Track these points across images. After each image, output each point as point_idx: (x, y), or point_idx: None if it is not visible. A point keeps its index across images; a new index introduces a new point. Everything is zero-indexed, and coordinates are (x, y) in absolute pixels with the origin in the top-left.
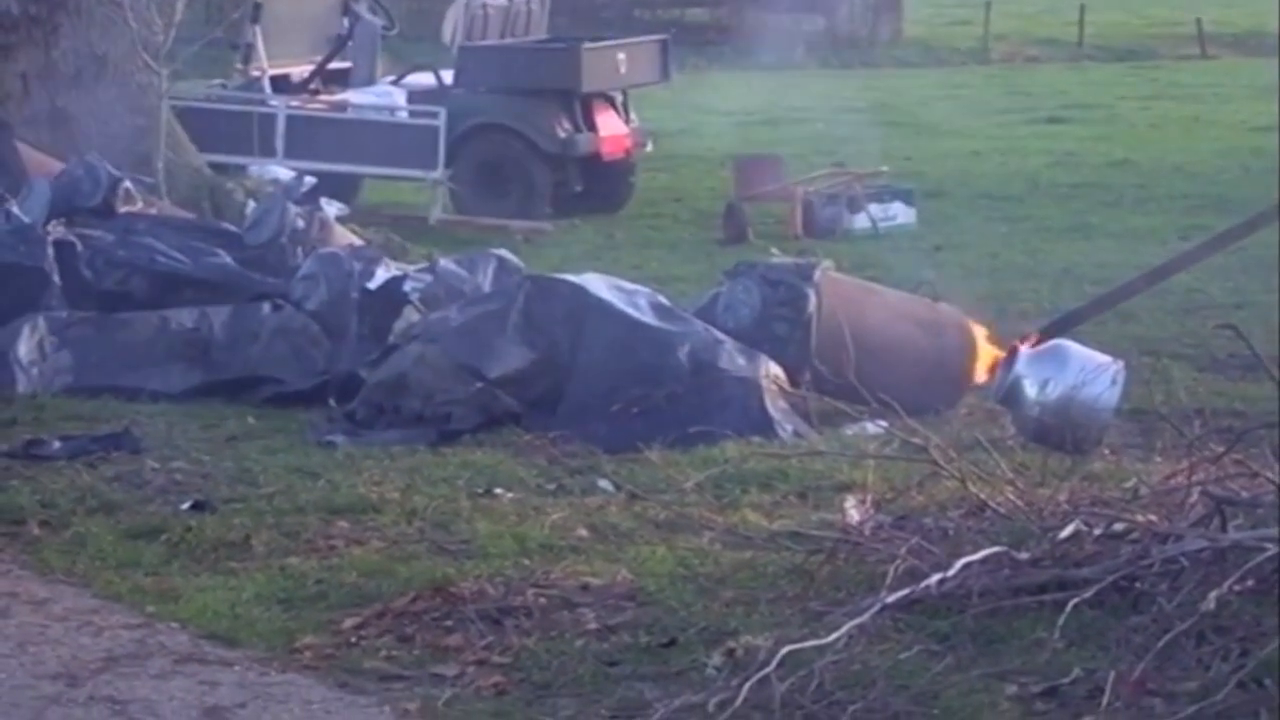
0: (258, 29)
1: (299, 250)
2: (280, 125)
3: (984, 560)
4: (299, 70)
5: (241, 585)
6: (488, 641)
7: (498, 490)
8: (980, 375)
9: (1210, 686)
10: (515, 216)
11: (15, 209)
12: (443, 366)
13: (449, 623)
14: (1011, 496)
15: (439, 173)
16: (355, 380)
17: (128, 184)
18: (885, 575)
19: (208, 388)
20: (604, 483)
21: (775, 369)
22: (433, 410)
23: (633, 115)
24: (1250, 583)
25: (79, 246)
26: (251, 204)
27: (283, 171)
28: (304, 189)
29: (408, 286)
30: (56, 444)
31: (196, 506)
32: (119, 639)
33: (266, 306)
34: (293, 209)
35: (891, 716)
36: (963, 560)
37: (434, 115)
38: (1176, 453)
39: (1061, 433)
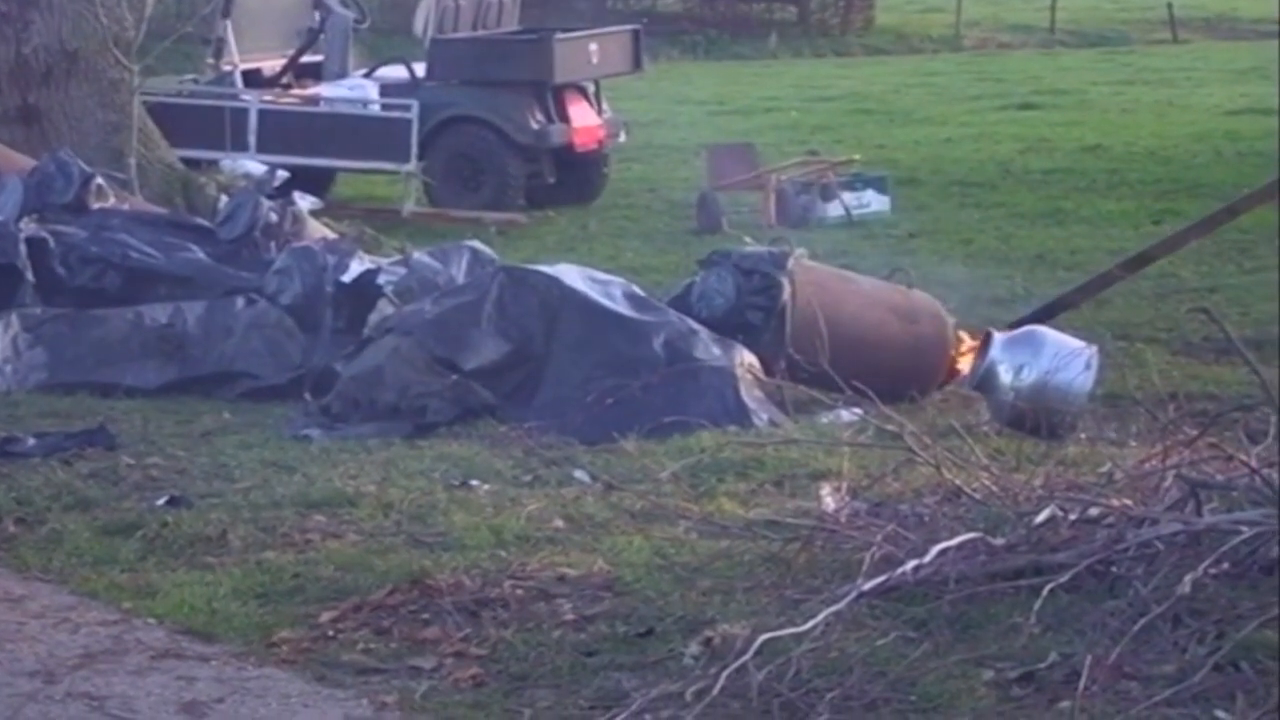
0: (229, 23)
1: (272, 244)
2: (253, 119)
3: (960, 546)
4: (271, 64)
5: (218, 580)
6: (465, 633)
7: (474, 482)
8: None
9: (1187, 669)
10: (489, 208)
11: None
12: (417, 359)
13: (426, 615)
14: (987, 482)
15: (412, 165)
16: (330, 374)
17: (100, 180)
18: (861, 562)
19: (182, 383)
20: (580, 473)
21: (750, 358)
22: (408, 403)
23: (605, 106)
24: (1225, 566)
25: (52, 243)
26: (224, 199)
27: (255, 166)
28: (277, 183)
29: (382, 280)
30: (31, 441)
31: (172, 502)
32: (96, 635)
33: (240, 301)
34: (265, 203)
35: (869, 703)
36: (938, 546)
37: (406, 108)
38: (1151, 437)
39: (1036, 418)
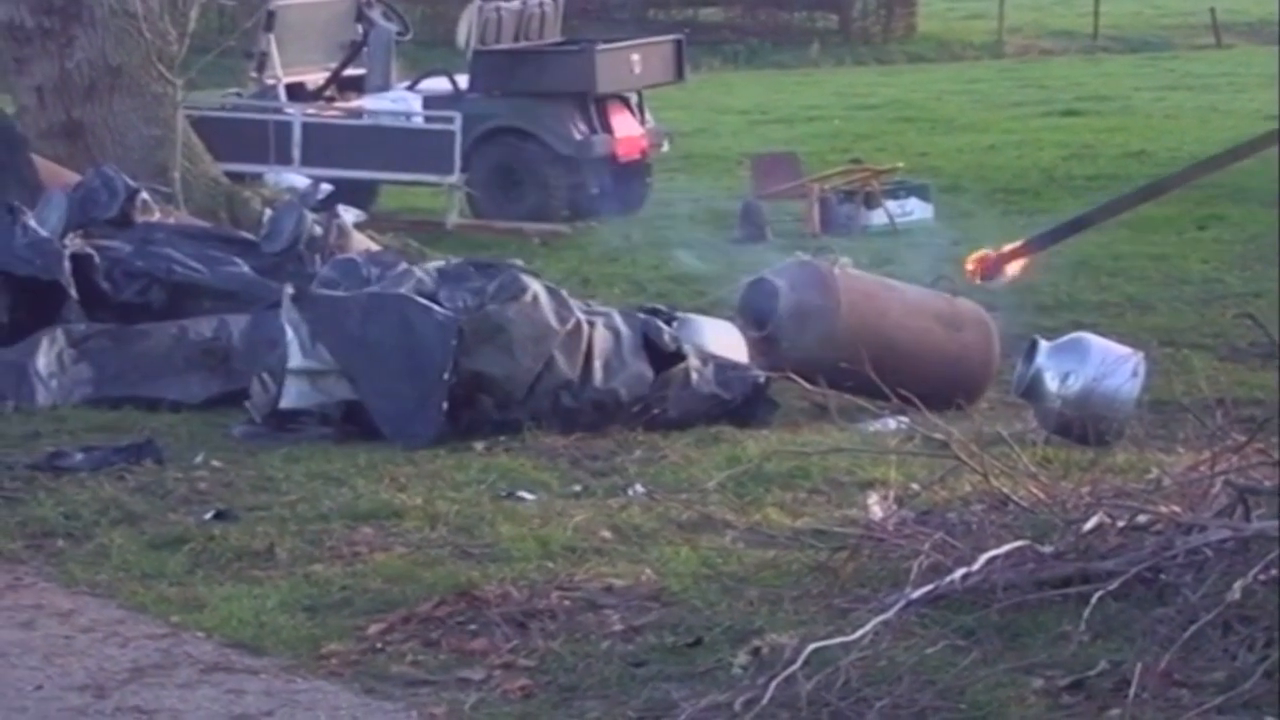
0: (272, 37)
1: (316, 257)
2: (296, 133)
3: (1008, 554)
4: (314, 78)
5: (266, 593)
6: (513, 645)
7: (521, 493)
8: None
9: (1237, 676)
10: (532, 219)
11: (32, 222)
12: None
13: (474, 627)
14: (1034, 490)
15: (455, 177)
16: None
17: (144, 194)
18: (909, 571)
19: (227, 396)
20: (640, 488)
21: None
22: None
23: (648, 116)
24: (1274, 572)
25: (96, 258)
26: (268, 212)
27: (299, 179)
28: (320, 196)
29: None
30: (79, 456)
31: (219, 515)
32: (145, 649)
33: None
34: (309, 216)
35: (918, 712)
36: (986, 555)
37: (449, 120)
38: (1198, 443)
39: (1083, 425)
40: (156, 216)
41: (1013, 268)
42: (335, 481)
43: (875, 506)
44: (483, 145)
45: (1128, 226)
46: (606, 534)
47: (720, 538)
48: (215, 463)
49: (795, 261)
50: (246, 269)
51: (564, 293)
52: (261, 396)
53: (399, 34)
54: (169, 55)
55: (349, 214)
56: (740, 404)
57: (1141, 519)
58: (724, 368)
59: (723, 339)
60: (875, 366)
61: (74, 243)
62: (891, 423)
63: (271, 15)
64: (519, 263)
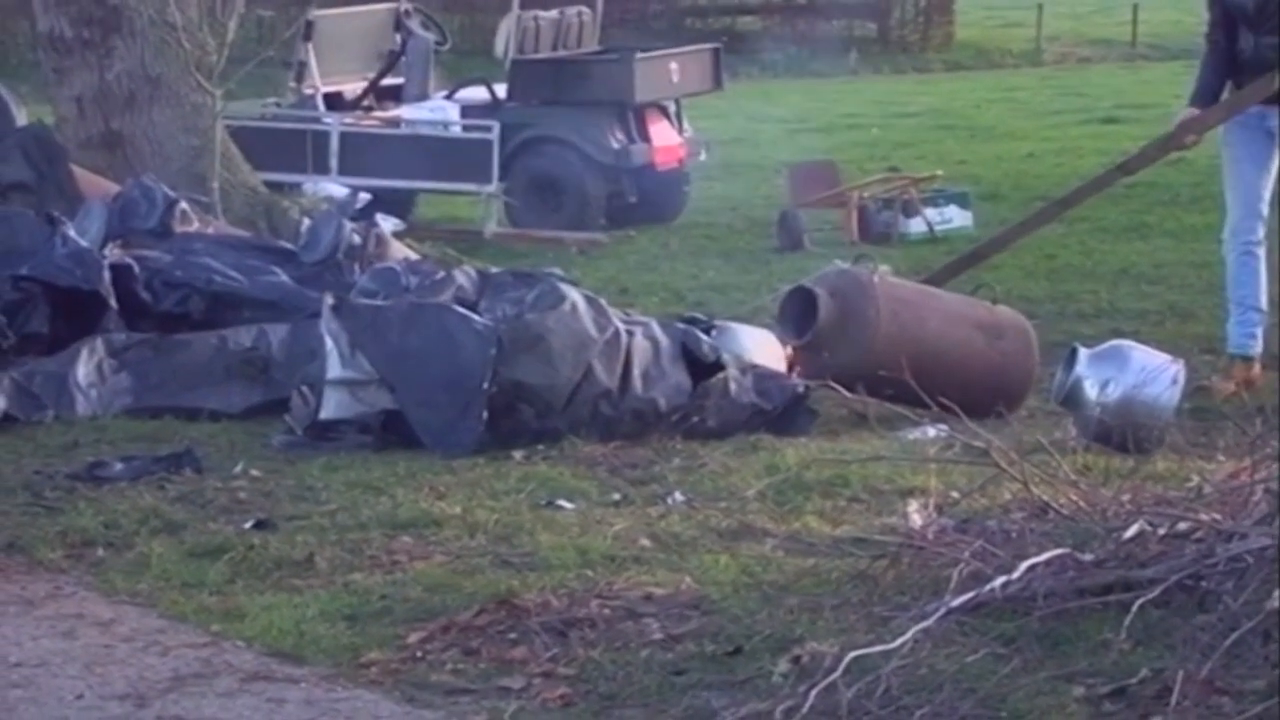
0: (310, 47)
1: (355, 266)
2: (334, 142)
3: (1048, 562)
4: (352, 87)
5: (306, 602)
6: (553, 653)
7: (560, 502)
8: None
9: (1278, 684)
10: (570, 228)
11: (72, 232)
12: None
13: (514, 635)
14: (1074, 498)
15: (493, 186)
16: None
17: (184, 205)
18: (949, 579)
19: (267, 406)
20: (679, 495)
21: None
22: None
23: (686, 125)
24: None
25: (136, 269)
26: (306, 221)
27: (337, 188)
28: (359, 205)
29: None
30: (119, 465)
31: (259, 525)
32: (185, 658)
33: None
34: (348, 225)
35: None
36: (1027, 562)
37: (488, 129)
38: (1239, 451)
39: (1123, 433)
40: (195, 226)
41: None
42: (375, 490)
43: (915, 514)
44: (521, 154)
45: (1169, 235)
46: (646, 542)
47: (760, 546)
48: (255, 472)
49: (834, 270)
50: (285, 278)
51: (603, 302)
52: (302, 410)
53: (437, 43)
54: (208, 65)
55: (387, 223)
56: (780, 413)
57: (1182, 526)
58: (763, 377)
59: (762, 348)
60: (915, 374)
61: (113, 253)
62: (931, 431)
63: (310, 25)
64: (558, 271)
